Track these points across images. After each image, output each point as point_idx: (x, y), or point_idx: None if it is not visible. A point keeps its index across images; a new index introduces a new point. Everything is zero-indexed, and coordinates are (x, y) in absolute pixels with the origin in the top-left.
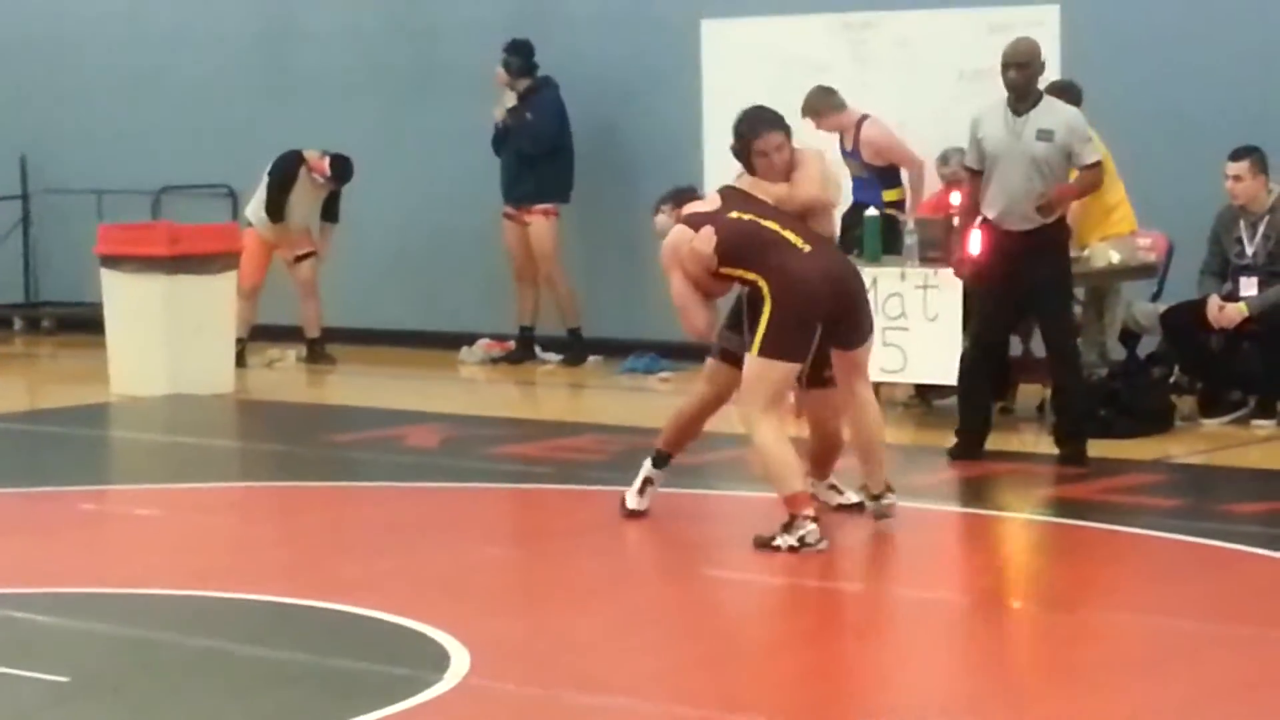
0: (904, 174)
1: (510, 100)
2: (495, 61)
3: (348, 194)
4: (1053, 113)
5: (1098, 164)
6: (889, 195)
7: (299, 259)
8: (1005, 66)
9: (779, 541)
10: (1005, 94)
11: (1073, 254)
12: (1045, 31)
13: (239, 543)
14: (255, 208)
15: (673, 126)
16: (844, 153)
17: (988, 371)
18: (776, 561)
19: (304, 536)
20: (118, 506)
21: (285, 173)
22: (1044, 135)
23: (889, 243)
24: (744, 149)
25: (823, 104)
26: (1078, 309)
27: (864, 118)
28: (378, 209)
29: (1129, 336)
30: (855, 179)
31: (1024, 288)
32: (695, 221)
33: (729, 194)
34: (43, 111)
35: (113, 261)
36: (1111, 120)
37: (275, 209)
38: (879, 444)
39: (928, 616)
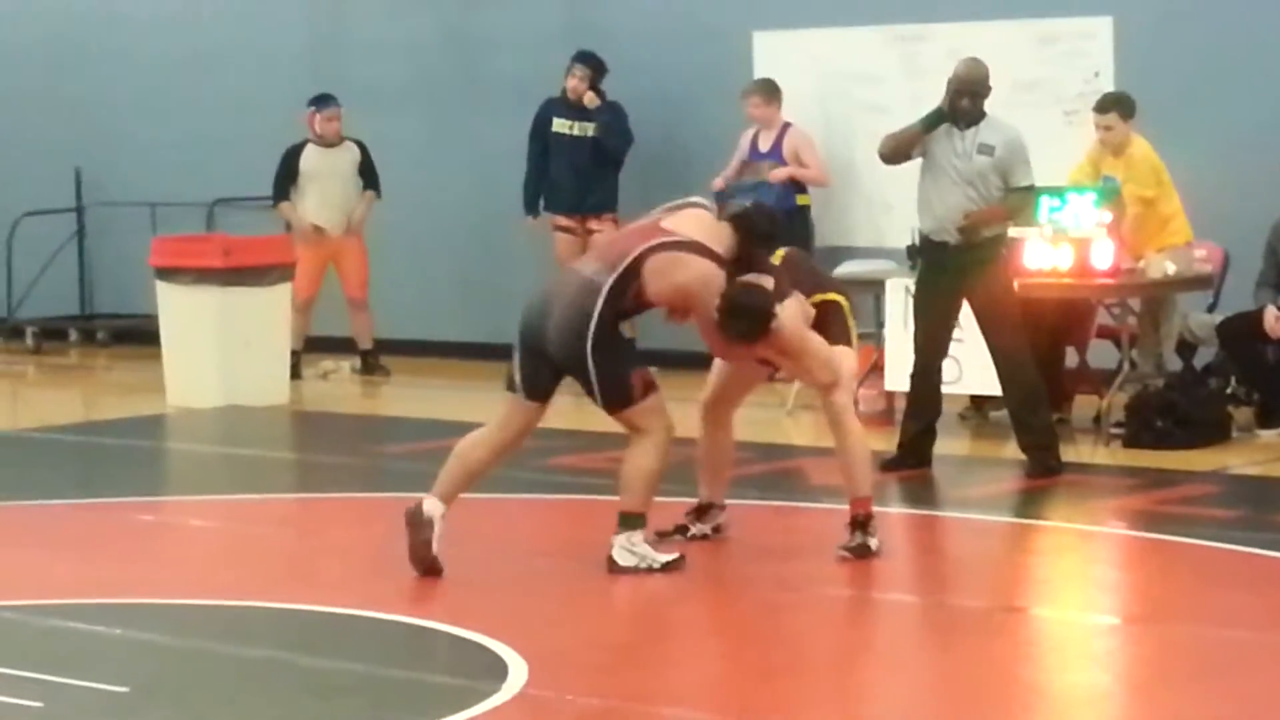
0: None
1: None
2: (547, 73)
3: (399, 204)
4: (995, 130)
5: (1031, 188)
6: (802, 200)
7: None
8: (959, 94)
9: (872, 543)
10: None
11: (1128, 265)
12: (1098, 43)
13: (295, 554)
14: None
15: (724, 138)
16: (755, 154)
17: (933, 385)
18: (834, 573)
19: (359, 547)
20: (174, 518)
21: (287, 153)
22: (985, 149)
23: (803, 240)
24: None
25: (774, 94)
26: (1132, 320)
27: (788, 123)
28: (430, 220)
29: (1185, 347)
30: (760, 184)
31: (960, 304)
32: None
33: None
34: (97, 125)
35: (167, 274)
36: (1166, 131)
37: (278, 189)
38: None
39: (979, 626)
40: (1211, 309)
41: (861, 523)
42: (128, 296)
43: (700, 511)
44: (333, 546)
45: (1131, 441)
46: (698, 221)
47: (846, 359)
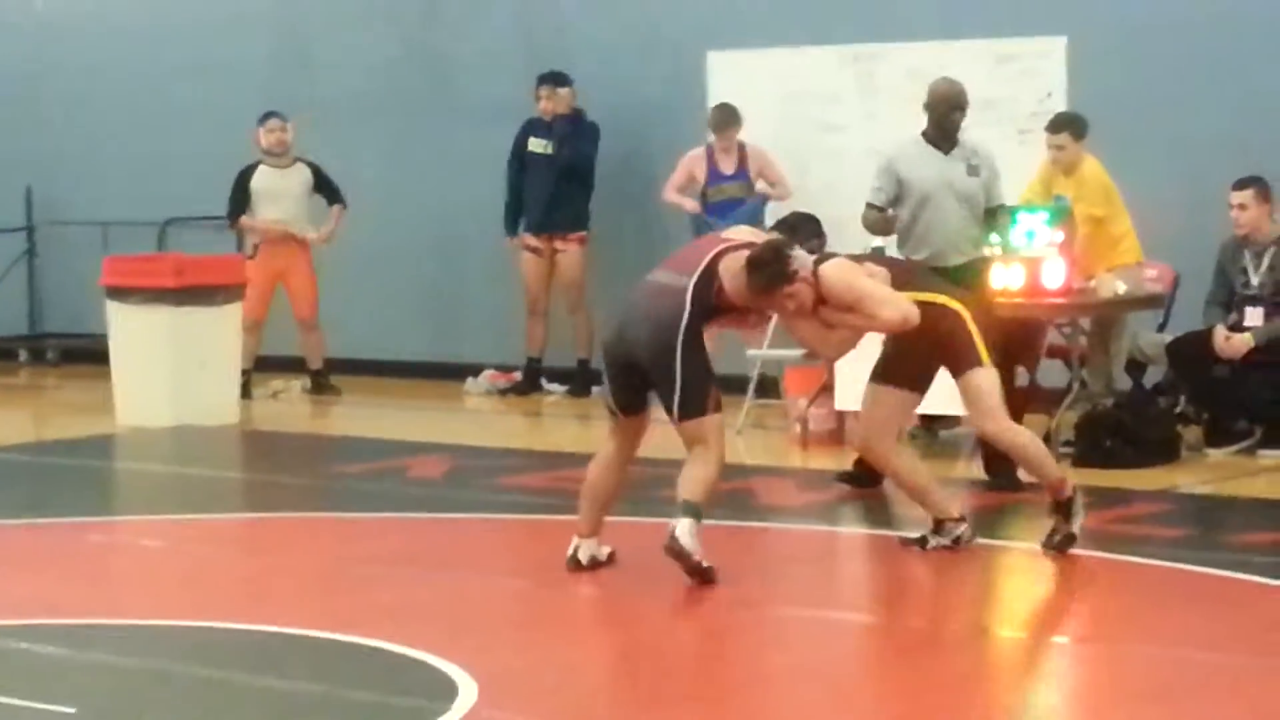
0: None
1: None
2: (507, 90)
3: (357, 222)
4: (976, 149)
5: (1004, 205)
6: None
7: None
8: (953, 109)
9: (1075, 526)
10: (923, 133)
11: (1079, 284)
12: (1052, 63)
13: (245, 574)
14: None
15: (678, 158)
16: (718, 176)
17: None
18: (786, 594)
19: (310, 568)
20: (124, 538)
21: (240, 174)
22: (973, 170)
23: None
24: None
25: (737, 117)
26: (1083, 339)
27: (741, 142)
28: (386, 239)
29: (1135, 367)
30: (735, 200)
31: None
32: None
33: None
34: (48, 143)
35: (118, 293)
36: (1117, 151)
37: (233, 207)
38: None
39: (930, 647)
40: (1161, 328)
41: (1065, 505)
42: (78, 316)
43: (938, 525)
44: (283, 566)
45: (1081, 460)
46: (751, 233)
47: (986, 378)
